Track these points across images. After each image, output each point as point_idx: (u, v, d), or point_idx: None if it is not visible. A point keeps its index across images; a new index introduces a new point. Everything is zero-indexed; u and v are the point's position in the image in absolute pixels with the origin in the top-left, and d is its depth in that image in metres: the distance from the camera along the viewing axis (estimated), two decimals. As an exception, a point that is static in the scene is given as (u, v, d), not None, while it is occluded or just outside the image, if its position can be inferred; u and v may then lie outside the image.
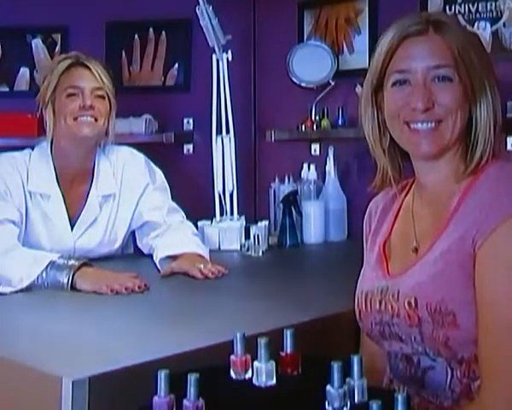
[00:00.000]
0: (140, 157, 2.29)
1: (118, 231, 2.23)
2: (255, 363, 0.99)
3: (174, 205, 2.29)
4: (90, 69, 2.12)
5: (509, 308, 1.07)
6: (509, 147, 2.50)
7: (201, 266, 1.96)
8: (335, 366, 0.89)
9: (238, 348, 1.00)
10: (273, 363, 0.99)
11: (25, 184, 2.11)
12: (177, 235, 2.18)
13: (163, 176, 2.31)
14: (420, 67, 1.19)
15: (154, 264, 2.13)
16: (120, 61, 3.18)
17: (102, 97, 2.14)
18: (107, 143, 2.23)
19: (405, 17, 1.23)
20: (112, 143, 2.25)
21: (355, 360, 0.91)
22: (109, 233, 2.22)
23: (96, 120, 2.13)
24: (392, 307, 1.21)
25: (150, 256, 2.20)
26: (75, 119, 2.11)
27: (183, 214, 2.30)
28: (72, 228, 2.16)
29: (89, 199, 2.17)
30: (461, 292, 1.12)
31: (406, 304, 1.18)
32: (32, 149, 2.20)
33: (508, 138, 2.50)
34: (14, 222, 2.04)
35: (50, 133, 2.15)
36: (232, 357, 1.00)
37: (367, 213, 1.41)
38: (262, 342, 0.99)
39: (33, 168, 2.14)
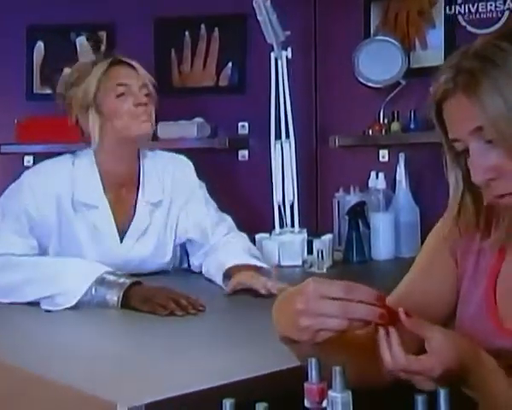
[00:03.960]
0: (190, 164, 2.32)
1: (168, 241, 2.26)
2: (329, 392, 0.97)
3: (220, 215, 2.30)
4: (132, 66, 2.15)
5: None
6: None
7: (264, 279, 1.93)
8: (419, 400, 0.89)
9: (313, 374, 0.99)
10: (349, 393, 0.97)
11: (68, 196, 2.14)
12: (229, 248, 2.18)
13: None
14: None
15: (206, 280, 2.15)
16: (170, 60, 3.22)
17: (148, 95, 2.17)
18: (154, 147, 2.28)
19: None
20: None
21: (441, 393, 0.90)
22: (161, 244, 2.24)
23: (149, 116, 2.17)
24: None
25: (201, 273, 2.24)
26: (133, 117, 2.13)
27: (231, 224, 2.30)
28: (121, 240, 2.19)
29: (137, 208, 2.20)
30: None
31: None
32: (71, 153, 2.23)
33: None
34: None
35: (97, 138, 2.15)
36: (307, 385, 0.99)
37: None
38: (337, 370, 0.97)
39: (78, 177, 2.16)
